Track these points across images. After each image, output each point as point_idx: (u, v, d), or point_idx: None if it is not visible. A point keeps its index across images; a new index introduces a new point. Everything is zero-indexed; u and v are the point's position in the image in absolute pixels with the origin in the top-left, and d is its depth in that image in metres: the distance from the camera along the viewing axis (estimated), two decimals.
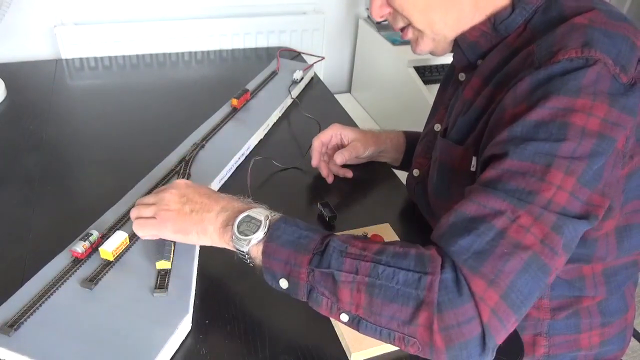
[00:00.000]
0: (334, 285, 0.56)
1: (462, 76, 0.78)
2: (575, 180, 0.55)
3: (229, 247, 0.65)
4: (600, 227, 0.70)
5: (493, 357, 0.55)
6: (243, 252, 0.63)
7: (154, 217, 0.70)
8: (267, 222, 0.62)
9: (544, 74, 0.59)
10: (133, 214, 0.74)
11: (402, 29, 0.75)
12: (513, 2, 0.68)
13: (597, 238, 0.71)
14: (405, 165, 1.02)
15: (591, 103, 0.56)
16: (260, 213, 0.63)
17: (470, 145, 0.71)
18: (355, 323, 0.57)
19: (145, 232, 0.72)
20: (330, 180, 0.98)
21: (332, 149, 1.00)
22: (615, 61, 0.58)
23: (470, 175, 0.72)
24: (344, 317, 0.58)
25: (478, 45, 0.72)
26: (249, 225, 0.62)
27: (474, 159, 0.71)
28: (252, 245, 0.62)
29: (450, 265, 0.54)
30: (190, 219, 0.68)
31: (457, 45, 0.73)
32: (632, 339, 0.90)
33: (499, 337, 0.53)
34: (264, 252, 0.61)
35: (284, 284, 0.60)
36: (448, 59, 0.81)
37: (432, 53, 0.76)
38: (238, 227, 0.63)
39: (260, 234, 0.61)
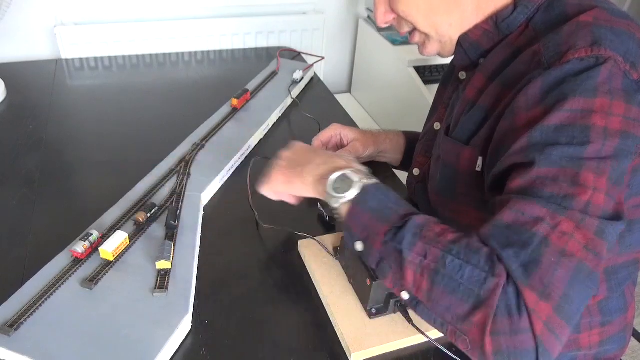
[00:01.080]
0: (401, 263, 0.57)
1: (462, 75, 0.78)
2: (606, 180, 0.55)
3: (323, 198, 0.66)
4: None
5: None
6: (333, 207, 0.64)
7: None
8: (361, 184, 0.63)
9: (556, 75, 0.58)
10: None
11: (409, 33, 0.75)
12: (515, 0, 0.68)
13: None
14: (405, 166, 1.02)
15: (609, 102, 0.56)
16: (356, 174, 0.64)
17: (476, 145, 0.71)
18: (413, 304, 0.58)
19: (264, 190, 0.75)
20: None
21: (332, 149, 1.00)
22: (625, 58, 0.58)
23: (475, 175, 0.72)
24: (405, 295, 0.58)
25: (480, 44, 0.72)
26: (343, 184, 0.63)
27: (479, 159, 0.71)
28: (341, 204, 0.63)
29: (503, 276, 0.52)
30: (294, 171, 0.70)
31: (459, 44, 0.73)
32: (632, 338, 0.90)
33: (553, 352, 0.52)
34: (349, 213, 0.62)
35: (359, 246, 0.61)
36: (448, 58, 0.81)
37: (439, 55, 0.77)
38: (332, 183, 0.64)
39: (350, 195, 0.62)
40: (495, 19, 0.69)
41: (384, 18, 0.74)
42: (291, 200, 0.76)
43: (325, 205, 0.88)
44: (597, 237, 0.54)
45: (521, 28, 0.68)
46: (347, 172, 0.64)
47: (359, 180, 0.63)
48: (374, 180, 0.64)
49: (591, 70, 0.57)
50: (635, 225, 0.73)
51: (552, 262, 0.52)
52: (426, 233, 0.57)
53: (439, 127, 0.84)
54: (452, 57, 0.79)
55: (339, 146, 1.00)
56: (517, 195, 0.57)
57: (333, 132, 0.99)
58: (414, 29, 0.73)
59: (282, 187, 0.72)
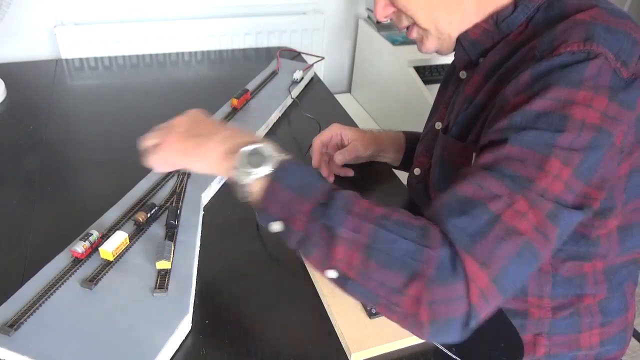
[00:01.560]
0: (330, 240, 0.55)
1: (463, 74, 0.79)
2: (571, 171, 0.56)
3: (225, 174, 0.62)
4: (603, 226, 0.70)
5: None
6: (242, 184, 0.59)
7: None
8: (276, 159, 0.59)
9: (545, 66, 0.59)
10: (143, 144, 0.69)
11: (407, 28, 0.75)
12: (515, 0, 0.68)
13: (599, 236, 0.71)
14: (405, 165, 1.02)
15: (592, 96, 0.57)
16: (270, 149, 0.60)
17: (471, 141, 0.72)
18: (342, 281, 0.56)
19: (152, 159, 0.68)
20: (331, 180, 0.98)
21: (333, 149, 1.00)
22: (617, 56, 0.58)
23: None
24: (332, 274, 0.56)
25: (480, 43, 0.72)
26: (256, 159, 0.59)
27: (474, 156, 0.71)
28: (254, 180, 0.58)
29: (448, 243, 0.54)
30: (193, 141, 0.64)
31: (459, 43, 0.73)
32: (632, 338, 0.90)
33: (483, 316, 0.54)
34: (265, 191, 0.58)
35: (277, 226, 0.58)
36: (449, 58, 0.81)
37: (437, 52, 0.76)
38: (246, 157, 0.59)
39: (264, 170, 0.58)
40: (496, 18, 0.69)
41: (384, 11, 0.73)
42: (162, 169, 0.69)
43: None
44: (549, 220, 0.55)
45: (521, 27, 0.68)
46: (260, 145, 0.60)
47: (274, 155, 0.59)
48: (289, 156, 0.60)
49: (580, 63, 0.58)
50: (635, 228, 0.73)
51: (499, 237, 0.53)
52: (355, 208, 0.56)
53: (439, 127, 0.84)
54: (453, 57, 0.79)
55: (340, 146, 1.00)
56: (482, 170, 0.57)
57: (333, 132, 0.99)
58: (413, 24, 0.73)
59: (176, 158, 0.65)
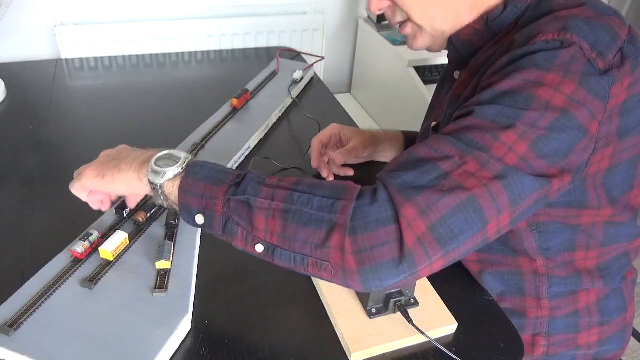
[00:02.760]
0: (249, 213, 0.57)
1: (457, 74, 0.79)
2: (527, 146, 0.56)
3: (143, 185, 0.64)
4: (583, 217, 0.71)
5: (404, 280, 0.56)
6: (156, 184, 0.62)
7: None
8: (187, 159, 0.63)
9: (520, 52, 0.60)
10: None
11: (400, 24, 0.75)
12: (505, 0, 0.69)
13: (580, 225, 0.72)
14: None
15: (560, 79, 0.57)
16: (181, 153, 0.64)
17: None
18: (270, 252, 0.58)
19: (71, 186, 0.71)
20: (330, 179, 0.98)
21: (332, 149, 1.00)
22: (592, 47, 0.59)
23: None
24: (259, 248, 0.58)
25: (471, 43, 0.73)
26: (167, 162, 0.63)
27: None
28: (168, 180, 0.61)
29: (380, 193, 0.55)
30: (109, 165, 0.67)
31: (452, 44, 0.74)
32: (632, 338, 0.90)
33: (421, 268, 0.54)
34: (180, 188, 0.60)
35: (199, 219, 0.60)
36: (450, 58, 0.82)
37: (428, 49, 0.77)
38: (155, 162, 0.63)
39: (177, 169, 0.61)
40: (486, 19, 0.70)
41: (379, 4, 0.73)
42: (97, 206, 0.72)
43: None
44: (497, 180, 0.55)
45: (511, 27, 0.69)
46: (169, 151, 0.64)
47: (185, 156, 0.63)
48: (192, 157, 0.64)
49: (554, 50, 0.59)
50: (620, 225, 0.73)
51: (443, 191, 0.54)
52: (267, 180, 0.59)
53: (434, 125, 0.84)
54: (447, 57, 0.79)
55: (339, 146, 1.00)
56: (442, 136, 0.59)
57: (332, 132, 0.99)
58: (408, 20, 0.73)
59: (92, 182, 0.68)
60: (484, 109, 0.58)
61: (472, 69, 0.72)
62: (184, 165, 0.62)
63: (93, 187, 0.69)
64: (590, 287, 0.77)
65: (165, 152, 0.64)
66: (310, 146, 0.98)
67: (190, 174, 0.61)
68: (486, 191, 0.55)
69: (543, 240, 0.72)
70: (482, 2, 0.70)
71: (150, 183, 0.63)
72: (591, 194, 0.68)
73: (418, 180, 0.55)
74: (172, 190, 0.62)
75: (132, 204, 0.78)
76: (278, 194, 0.57)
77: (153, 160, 0.63)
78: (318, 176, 0.98)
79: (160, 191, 0.62)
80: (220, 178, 0.60)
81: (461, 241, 0.55)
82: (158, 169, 0.62)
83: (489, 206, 0.55)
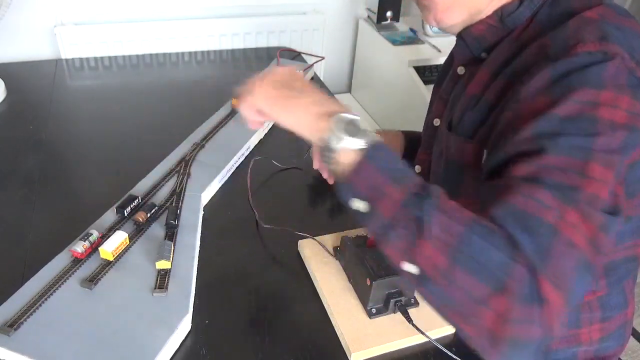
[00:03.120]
0: (419, 234, 0.51)
1: (461, 70, 0.78)
2: (613, 173, 0.54)
3: (313, 135, 0.59)
4: None
5: None
6: (334, 148, 0.56)
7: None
8: (371, 137, 0.56)
9: (563, 67, 0.58)
10: (239, 90, 0.68)
11: None
12: None
13: None
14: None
15: (615, 95, 0.56)
16: (365, 127, 0.57)
17: (481, 139, 0.71)
18: (421, 281, 0.52)
19: (242, 105, 0.66)
20: (331, 182, 0.97)
21: None
22: (631, 56, 0.58)
23: (482, 169, 0.71)
24: (411, 268, 0.52)
25: (484, 39, 0.71)
26: (352, 129, 0.56)
27: (485, 153, 0.69)
28: (346, 148, 0.55)
29: (526, 261, 0.50)
30: (285, 92, 0.63)
31: (461, 39, 0.73)
32: (632, 338, 0.90)
33: (553, 339, 0.51)
34: (356, 166, 0.55)
35: (361, 205, 0.54)
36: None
37: (448, 28, 0.73)
38: (343, 123, 0.56)
39: (360, 142, 0.55)
40: (501, 14, 0.69)
41: None
42: (256, 126, 0.68)
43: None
44: (601, 232, 0.53)
45: (526, 23, 0.68)
46: (356, 118, 0.57)
47: (370, 133, 0.56)
48: (380, 140, 0.58)
49: (599, 64, 0.57)
50: (635, 223, 0.73)
51: (561, 252, 0.50)
52: (447, 207, 0.53)
53: (438, 124, 0.83)
54: (453, 52, 0.78)
55: None
56: (524, 182, 0.54)
57: None
58: None
59: (265, 105, 0.63)
60: (554, 143, 0.55)
61: (491, 68, 0.70)
62: (369, 143, 0.55)
63: (262, 108, 0.64)
64: (594, 289, 0.76)
65: (351, 116, 0.57)
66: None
67: (373, 158, 0.55)
68: (592, 247, 0.52)
69: None
70: None
71: (328, 141, 0.56)
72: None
73: (536, 243, 0.50)
74: (344, 160, 0.56)
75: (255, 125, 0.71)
76: (454, 228, 0.51)
77: (338, 120, 0.56)
78: (320, 175, 0.98)
79: (329, 153, 0.56)
80: (400, 177, 0.54)
81: (580, 300, 0.54)
82: (341, 134, 0.55)
83: (595, 260, 0.53)
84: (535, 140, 0.56)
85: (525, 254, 0.50)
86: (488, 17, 0.70)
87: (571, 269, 0.50)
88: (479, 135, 0.71)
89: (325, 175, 0.97)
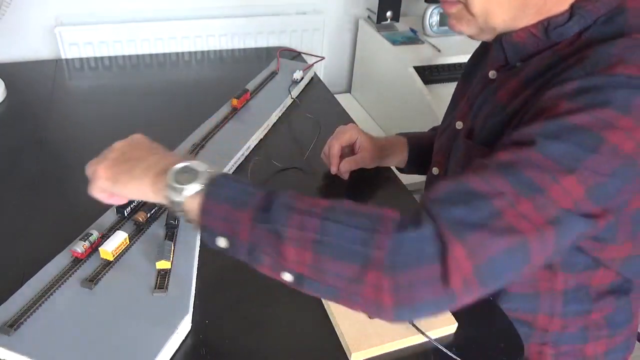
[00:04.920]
0: (277, 243, 0.53)
1: (493, 74, 0.74)
2: (583, 191, 0.53)
3: (158, 197, 0.60)
4: (606, 251, 0.70)
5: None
6: (176, 201, 0.57)
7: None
8: (207, 174, 0.58)
9: (597, 81, 0.56)
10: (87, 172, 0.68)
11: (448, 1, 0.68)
12: (572, 8, 0.63)
13: (600, 258, 0.71)
14: (409, 169, 1.02)
15: (635, 125, 0.54)
16: (201, 166, 0.59)
17: None
18: (299, 282, 0.54)
19: (90, 188, 0.66)
20: (345, 177, 0.97)
21: (348, 154, 0.98)
22: None
23: None
24: (287, 277, 0.55)
25: (523, 48, 0.67)
26: (187, 176, 0.57)
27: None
28: (188, 197, 0.56)
29: (426, 226, 0.51)
30: (123, 167, 0.63)
31: (500, 43, 0.69)
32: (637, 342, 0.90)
33: (459, 304, 0.52)
34: (202, 209, 0.56)
35: (222, 242, 0.56)
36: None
37: (470, 36, 0.71)
38: (174, 175, 0.58)
39: (197, 186, 0.56)
40: (547, 25, 0.64)
41: None
42: (121, 202, 0.69)
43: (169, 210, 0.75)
44: (551, 225, 0.52)
45: (573, 38, 0.63)
46: (190, 163, 0.59)
47: (205, 170, 0.58)
48: (220, 171, 0.60)
49: (634, 89, 0.54)
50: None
51: (494, 232, 0.51)
52: (298, 205, 0.54)
53: (461, 127, 0.79)
54: (475, 52, 0.76)
55: (348, 150, 0.99)
56: (496, 166, 0.55)
57: (352, 136, 0.97)
58: (463, 4, 0.66)
59: (107, 185, 0.64)
60: (548, 144, 0.54)
61: (524, 78, 0.67)
62: (205, 182, 0.57)
63: (107, 190, 0.65)
64: (603, 306, 0.76)
65: (183, 164, 0.59)
66: (310, 146, 0.97)
67: (211, 194, 0.56)
68: (539, 236, 0.52)
69: (569, 256, 0.70)
70: (549, 9, 0.63)
71: (169, 201, 0.58)
72: (621, 229, 0.66)
73: (469, 217, 0.51)
74: (192, 208, 0.57)
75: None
76: (309, 222, 0.53)
77: (171, 174, 0.58)
78: (321, 179, 0.98)
79: (176, 207, 0.58)
80: (243, 200, 0.55)
81: (502, 281, 0.53)
82: (176, 185, 0.57)
83: (537, 249, 0.52)
84: (534, 136, 0.55)
85: (444, 220, 0.51)
86: (532, 25, 0.65)
87: (499, 246, 0.51)
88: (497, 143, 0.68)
89: (334, 171, 0.96)
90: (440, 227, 0.51)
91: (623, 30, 0.59)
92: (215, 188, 0.57)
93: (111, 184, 0.63)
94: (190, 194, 0.57)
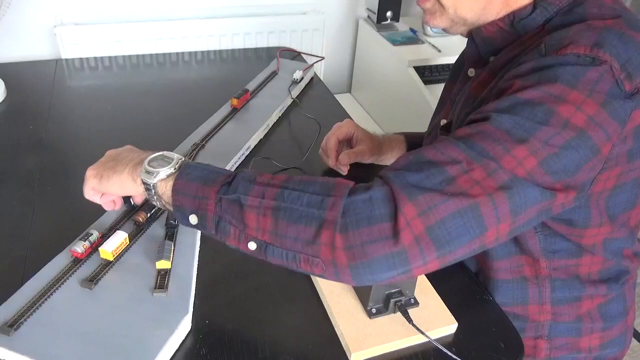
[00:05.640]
0: (240, 212, 0.58)
1: (471, 72, 0.77)
2: (536, 162, 0.55)
3: (136, 185, 0.66)
4: (584, 236, 0.71)
5: (397, 277, 0.55)
6: (149, 184, 0.63)
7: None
8: (179, 160, 0.64)
9: (547, 61, 0.59)
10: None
11: None
12: (535, 1, 0.66)
13: (581, 244, 0.72)
14: None
15: (584, 98, 0.56)
16: (174, 154, 0.65)
17: None
18: (262, 250, 0.58)
19: (83, 189, 0.72)
20: (345, 171, 0.98)
21: (342, 144, 1.00)
22: (623, 67, 0.57)
23: None
24: (252, 245, 0.59)
25: (493, 42, 0.71)
26: (160, 162, 0.64)
27: None
28: (160, 180, 0.63)
29: (379, 189, 0.55)
30: (108, 166, 0.69)
31: (472, 38, 0.73)
32: (633, 339, 0.90)
33: (415, 266, 0.54)
34: (173, 190, 0.61)
35: (193, 219, 0.61)
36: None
37: (445, 30, 0.74)
38: (149, 162, 0.64)
39: (169, 169, 0.63)
40: (512, 18, 0.68)
41: None
42: (109, 207, 0.74)
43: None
44: (502, 190, 0.54)
45: (537, 30, 0.67)
46: (164, 153, 0.65)
47: (178, 158, 0.64)
48: (184, 159, 0.66)
49: (582, 66, 0.57)
50: (618, 240, 0.73)
51: (446, 195, 0.54)
52: (259, 179, 0.59)
53: (444, 124, 0.83)
54: (464, 52, 0.78)
55: (346, 144, 1.00)
56: (454, 139, 0.58)
57: (349, 130, 0.98)
58: None
59: (95, 183, 0.70)
60: (501, 118, 0.57)
61: (493, 70, 0.70)
62: (176, 166, 0.63)
63: (94, 188, 0.70)
64: (594, 293, 0.76)
65: (159, 153, 0.65)
66: (310, 145, 0.97)
67: (182, 174, 0.62)
68: (489, 200, 0.54)
69: (548, 243, 0.72)
70: (513, 2, 0.67)
71: (144, 183, 0.64)
72: (594, 211, 0.68)
73: (423, 182, 0.54)
74: (165, 191, 0.63)
75: (137, 200, 0.79)
76: (268, 191, 0.57)
77: (146, 161, 0.65)
78: (320, 175, 0.98)
79: (153, 191, 0.63)
80: (212, 178, 0.60)
81: (457, 245, 0.54)
82: (151, 169, 0.63)
83: (489, 214, 0.54)
84: (489, 112, 0.58)
85: (395, 182, 0.55)
86: (500, 19, 0.69)
87: (450, 208, 0.53)
88: None
89: (331, 164, 0.96)
90: (394, 190, 0.54)
91: (582, 19, 0.63)
92: (187, 169, 0.62)
93: (98, 181, 0.69)
94: (163, 176, 0.63)
